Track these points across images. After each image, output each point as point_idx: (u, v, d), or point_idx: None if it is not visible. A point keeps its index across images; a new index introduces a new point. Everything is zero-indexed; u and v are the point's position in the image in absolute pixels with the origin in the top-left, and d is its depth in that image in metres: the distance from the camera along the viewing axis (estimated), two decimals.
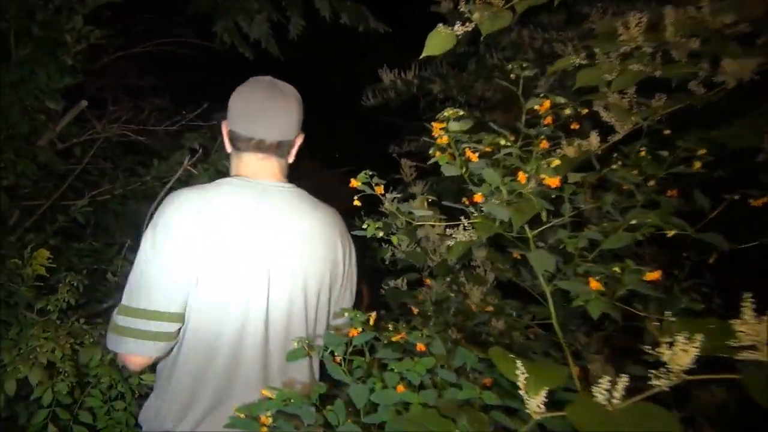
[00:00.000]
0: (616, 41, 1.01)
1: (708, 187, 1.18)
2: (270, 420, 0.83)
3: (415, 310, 1.48)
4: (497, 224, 0.99)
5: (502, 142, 1.03)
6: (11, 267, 1.72)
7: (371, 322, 1.01)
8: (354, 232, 1.26)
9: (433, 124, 1.09)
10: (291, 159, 1.29)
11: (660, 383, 0.62)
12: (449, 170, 1.02)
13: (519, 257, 1.31)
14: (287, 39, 3.03)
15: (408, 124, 2.83)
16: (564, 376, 0.70)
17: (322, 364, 1.26)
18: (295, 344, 1.05)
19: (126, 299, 1.13)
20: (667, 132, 1.15)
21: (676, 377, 0.62)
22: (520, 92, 1.32)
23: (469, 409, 0.80)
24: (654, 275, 0.83)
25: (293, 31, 3.03)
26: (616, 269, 0.86)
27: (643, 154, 1.08)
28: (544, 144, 0.96)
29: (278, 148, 1.23)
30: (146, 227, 1.17)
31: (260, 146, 1.22)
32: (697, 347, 0.61)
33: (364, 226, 1.12)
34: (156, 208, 1.27)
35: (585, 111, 1.07)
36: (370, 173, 1.07)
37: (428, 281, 1.55)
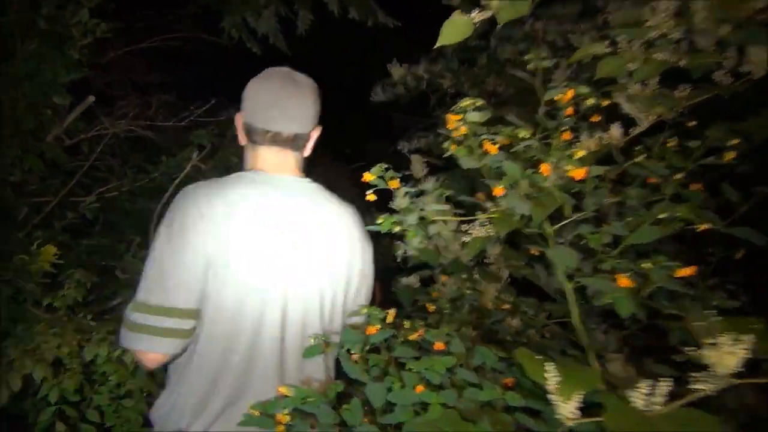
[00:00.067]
0: (642, 28, 0.97)
1: (731, 181, 1.14)
2: (288, 418, 0.80)
3: (431, 308, 1.45)
4: (516, 219, 0.96)
5: (521, 134, 1.00)
6: (18, 263, 1.71)
7: (389, 320, 0.98)
8: (367, 227, 1.23)
9: (449, 116, 1.06)
10: (307, 152, 1.26)
11: (704, 387, 0.58)
12: (467, 162, 0.99)
13: (536, 254, 1.28)
14: (295, 33, 3.01)
15: (418, 120, 2.80)
16: (597, 379, 0.66)
17: (336, 362, 1.23)
18: (312, 341, 1.02)
19: (140, 296, 1.10)
20: (691, 124, 1.11)
21: (722, 380, 0.58)
22: (539, 84, 1.28)
23: (490, 411, 0.77)
24: (686, 271, 0.80)
25: (301, 26, 2.99)
26: (647, 264, 0.82)
27: (670, 145, 1.03)
28: (567, 135, 0.92)
29: (294, 141, 1.20)
30: (156, 223, 1.14)
31: (276, 139, 1.19)
32: (745, 349, 0.57)
33: (378, 222, 1.09)
34: (165, 205, 1.25)
35: (606, 102, 1.04)
36: (385, 166, 1.04)
37: (444, 278, 1.51)
